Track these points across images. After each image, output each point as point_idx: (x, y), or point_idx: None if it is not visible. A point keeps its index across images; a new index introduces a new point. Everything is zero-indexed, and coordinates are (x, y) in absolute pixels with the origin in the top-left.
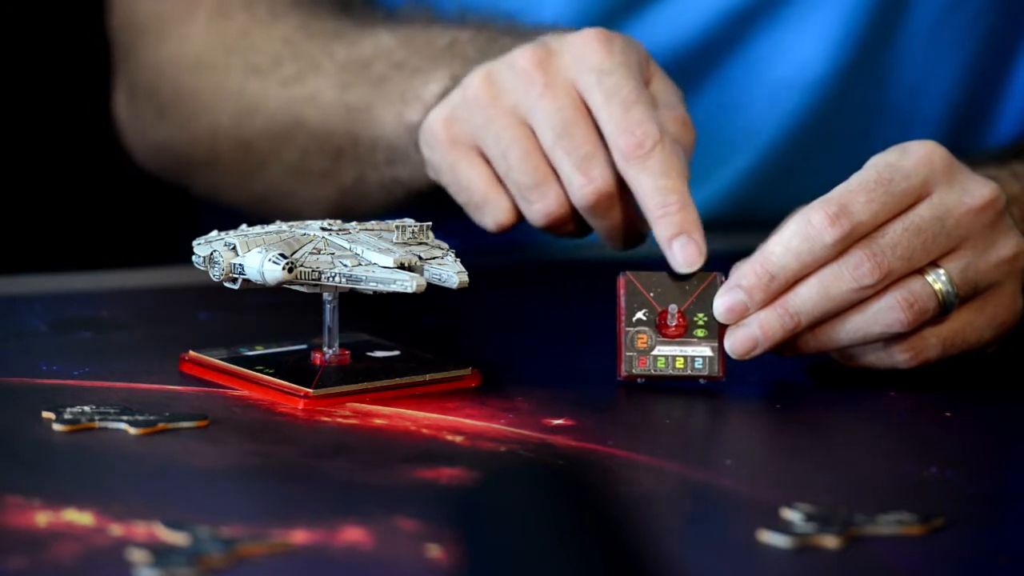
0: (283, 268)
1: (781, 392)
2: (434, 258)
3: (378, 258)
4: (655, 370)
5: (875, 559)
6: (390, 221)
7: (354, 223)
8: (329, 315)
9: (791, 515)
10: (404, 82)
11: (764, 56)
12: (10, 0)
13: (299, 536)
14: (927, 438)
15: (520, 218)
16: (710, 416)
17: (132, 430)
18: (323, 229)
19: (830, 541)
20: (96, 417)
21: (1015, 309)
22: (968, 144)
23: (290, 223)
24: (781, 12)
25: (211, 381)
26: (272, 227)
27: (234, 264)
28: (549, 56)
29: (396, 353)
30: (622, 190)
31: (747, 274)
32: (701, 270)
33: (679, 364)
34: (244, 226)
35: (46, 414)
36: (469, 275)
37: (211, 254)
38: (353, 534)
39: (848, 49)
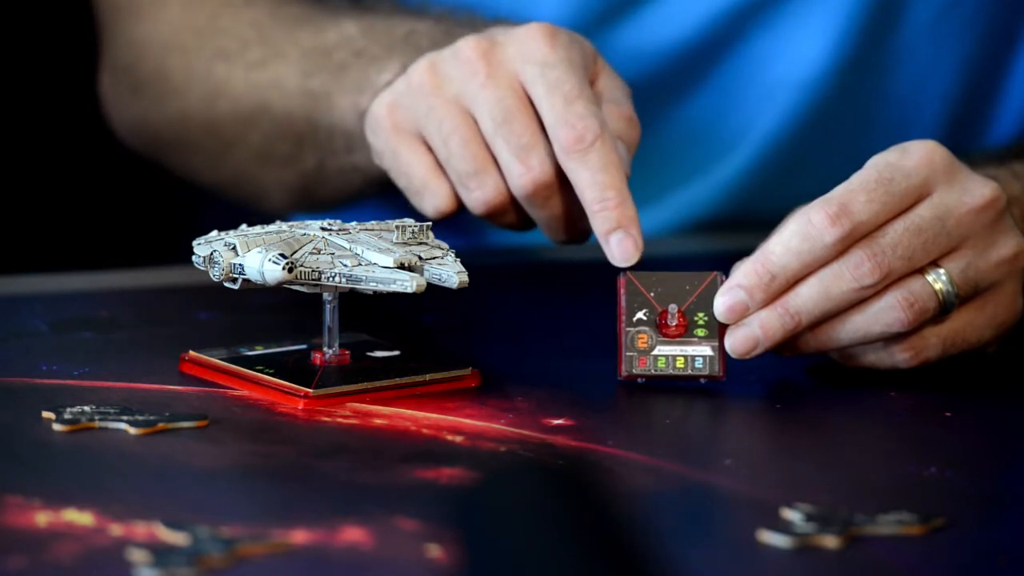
0: (283, 268)
1: (781, 392)
2: (434, 258)
3: (378, 258)
4: (655, 370)
5: (875, 559)
6: (390, 221)
7: (354, 223)
8: (329, 315)
9: (791, 515)
10: (362, 70)
11: (762, 54)
12: (10, 1)
13: (299, 536)
14: (927, 438)
15: (460, 206)
16: (710, 416)
17: (132, 430)
18: (323, 229)
19: (830, 541)
20: (96, 417)
21: (1015, 309)
22: (967, 142)
23: (290, 223)
24: (779, 10)
25: (211, 381)
26: (272, 227)
27: (234, 264)
28: (493, 47)
29: (396, 353)
30: (562, 182)
31: (747, 274)
32: (702, 270)
33: (679, 364)
34: (244, 226)
35: (46, 414)
36: (469, 275)
37: (211, 254)
38: (353, 534)
39: (846, 47)
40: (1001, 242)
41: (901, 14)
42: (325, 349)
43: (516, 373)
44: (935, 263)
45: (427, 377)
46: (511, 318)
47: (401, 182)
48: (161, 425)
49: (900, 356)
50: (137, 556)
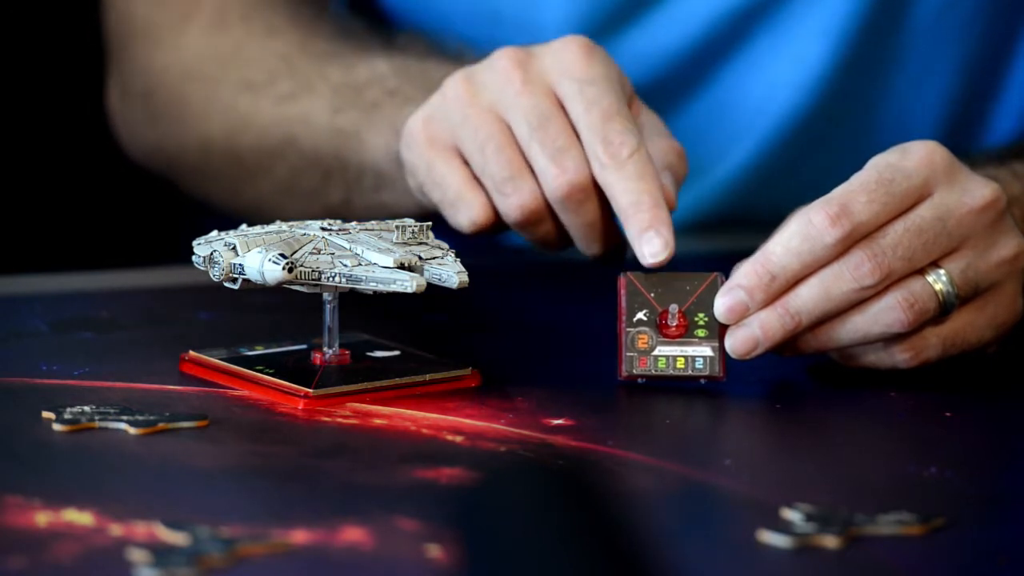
0: (283, 268)
1: (781, 392)
2: (434, 258)
3: (378, 258)
4: (656, 370)
5: (875, 559)
6: (390, 221)
7: (354, 223)
8: (329, 315)
9: (791, 515)
10: (395, 110)
11: (763, 55)
12: (11, 4)
13: (299, 536)
14: (927, 438)
15: (496, 217)
16: (710, 416)
17: (132, 430)
18: (323, 229)
19: (830, 541)
20: (96, 417)
21: (1015, 309)
22: (967, 142)
23: (290, 223)
24: (780, 11)
25: (211, 381)
26: (272, 227)
27: (234, 264)
28: (529, 58)
29: (396, 353)
30: (597, 189)
31: (748, 274)
32: (702, 270)
33: (680, 364)
34: (244, 226)
35: (46, 414)
36: (469, 275)
37: (211, 254)
38: (353, 534)
39: (846, 47)
40: (1001, 243)
41: (901, 14)
42: (325, 349)
43: (516, 373)
44: (935, 264)
45: (427, 377)
46: (511, 318)
47: (435, 195)
48: (161, 425)
49: (900, 356)
50: (137, 556)
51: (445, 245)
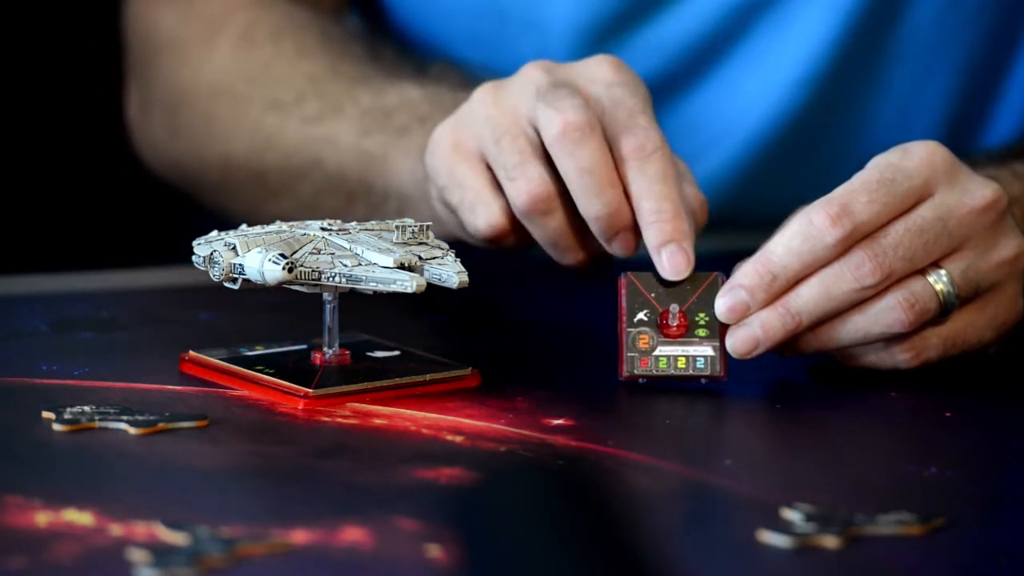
0: (283, 268)
1: (781, 392)
2: (434, 258)
3: (378, 258)
4: (657, 370)
5: (875, 559)
6: (390, 221)
7: (354, 223)
8: (329, 315)
9: (791, 515)
10: (424, 136)
11: (762, 52)
12: (13, 3)
13: (299, 536)
14: (927, 438)
15: (513, 222)
16: (710, 416)
17: (132, 430)
18: (323, 229)
19: (830, 541)
20: (96, 417)
21: (1016, 310)
22: (967, 142)
23: (290, 223)
24: (780, 8)
25: (211, 381)
26: (272, 227)
27: (234, 264)
28: (558, 67)
29: (396, 353)
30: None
31: (749, 274)
32: (702, 270)
33: (681, 364)
34: (244, 226)
35: (46, 414)
36: (469, 275)
37: (211, 254)
38: (353, 534)
39: (845, 45)
40: (1002, 243)
41: (901, 13)
42: (325, 349)
43: (516, 373)
44: (936, 264)
45: (427, 377)
46: (511, 318)
47: (455, 197)
48: (161, 425)
49: (901, 356)
50: (137, 556)
51: (445, 245)
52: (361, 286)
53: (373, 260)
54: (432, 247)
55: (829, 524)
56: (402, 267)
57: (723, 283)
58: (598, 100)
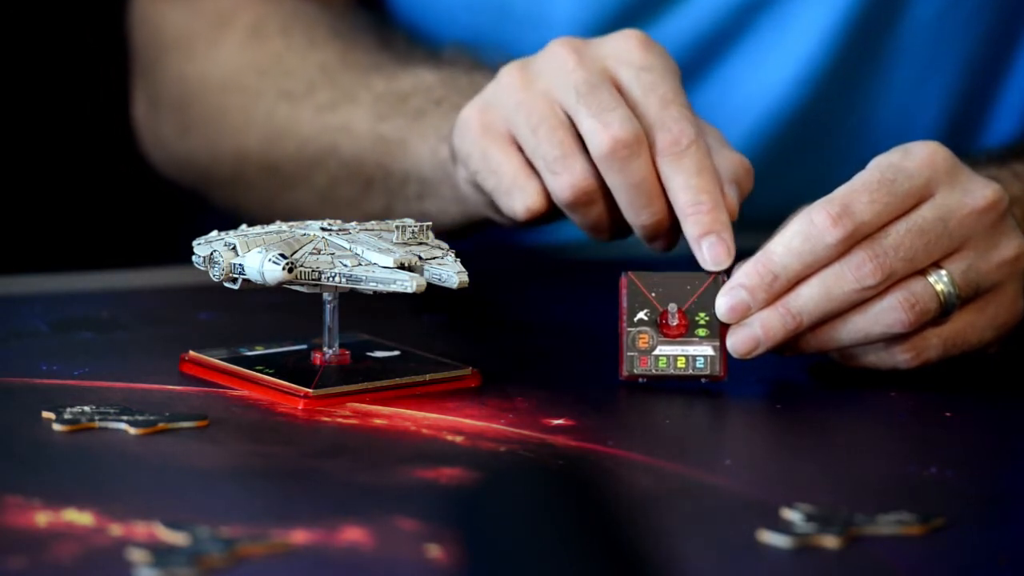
0: (283, 268)
1: (781, 392)
2: (434, 258)
3: (378, 258)
4: (656, 370)
5: (875, 559)
6: (390, 221)
7: (354, 223)
8: (329, 315)
9: (791, 515)
10: (442, 118)
11: (762, 50)
12: (14, 3)
13: (299, 536)
14: (927, 438)
15: (550, 204)
16: (710, 416)
17: (132, 430)
18: (323, 229)
19: (830, 541)
20: (96, 417)
21: (1016, 310)
22: (967, 141)
23: (290, 223)
24: (780, 7)
25: (211, 381)
26: (272, 227)
27: (234, 264)
28: (586, 45)
29: (396, 353)
30: (645, 154)
31: (749, 274)
32: (703, 270)
33: (680, 364)
34: (244, 226)
35: (46, 414)
36: (469, 275)
37: (211, 254)
38: (353, 534)
39: (844, 44)
40: (1003, 244)
41: (901, 12)
42: (325, 349)
43: (516, 373)
44: (937, 264)
45: (427, 377)
46: (511, 318)
47: (490, 183)
48: (161, 425)
49: (901, 357)
50: (137, 556)
51: (445, 245)
52: (361, 286)
53: (373, 260)
54: (432, 247)
55: (829, 524)
56: (402, 267)
57: (724, 283)
58: (630, 88)
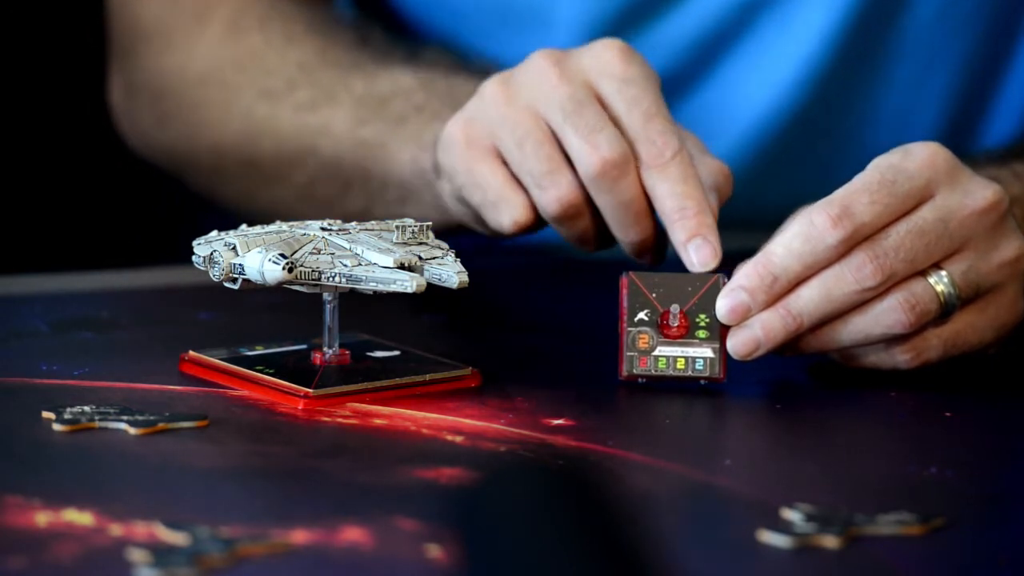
0: (283, 268)
1: (781, 392)
2: (434, 258)
3: (378, 258)
4: (656, 370)
5: (875, 559)
6: (390, 221)
7: (354, 223)
8: (329, 315)
9: (791, 515)
10: (423, 125)
11: (761, 49)
12: (13, 3)
13: (299, 536)
14: (927, 438)
15: (536, 218)
16: (710, 416)
17: (132, 430)
18: (323, 229)
19: (830, 541)
20: (96, 417)
21: (1017, 311)
22: (966, 141)
23: (290, 223)
24: (780, 7)
25: (211, 381)
26: (272, 227)
27: (234, 264)
28: (567, 57)
29: (396, 353)
30: (634, 173)
31: (750, 275)
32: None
33: (680, 365)
34: (244, 226)
35: (46, 414)
36: (469, 275)
37: (211, 254)
38: (353, 534)
39: (846, 44)
40: (1003, 244)
41: (901, 11)
42: (325, 349)
43: (516, 373)
44: (937, 265)
45: (427, 377)
46: (511, 318)
47: (476, 197)
48: (161, 425)
49: (901, 357)
50: (137, 556)
51: (445, 245)
52: (361, 286)
53: (373, 260)
54: (432, 247)
55: (829, 524)
56: (402, 267)
57: (724, 284)
58: (612, 101)
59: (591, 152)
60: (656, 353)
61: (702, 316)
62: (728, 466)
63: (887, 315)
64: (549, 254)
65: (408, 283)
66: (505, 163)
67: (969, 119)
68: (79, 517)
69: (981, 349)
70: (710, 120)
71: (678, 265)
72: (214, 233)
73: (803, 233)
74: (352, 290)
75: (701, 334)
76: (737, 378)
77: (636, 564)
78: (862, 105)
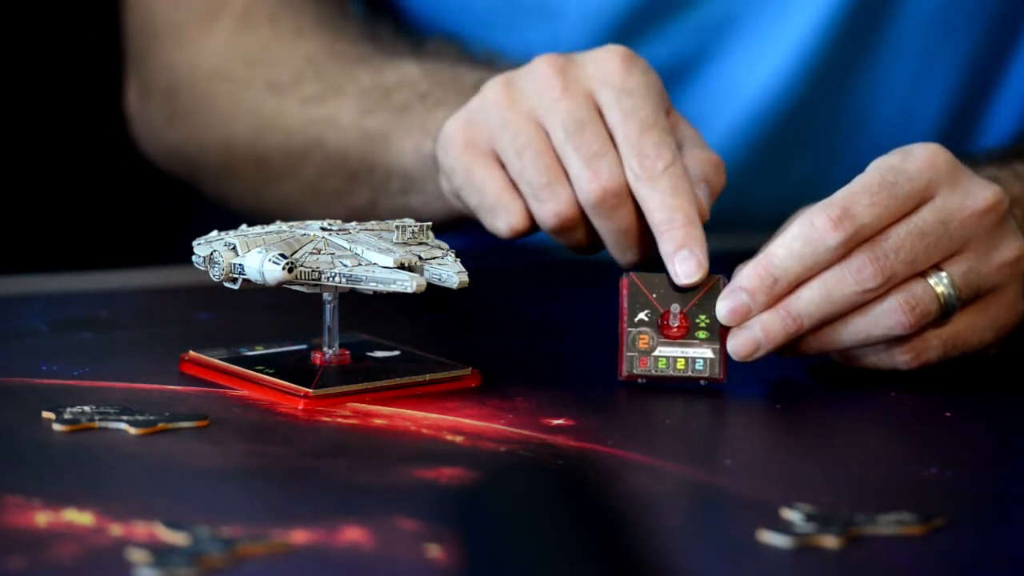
0: (283, 268)
1: (781, 392)
2: (434, 258)
3: (378, 258)
4: (656, 371)
5: (875, 559)
6: (390, 221)
7: (354, 223)
8: (329, 315)
9: (791, 515)
10: (426, 113)
11: (761, 48)
12: (15, 4)
13: (299, 536)
14: (927, 438)
15: (533, 223)
16: (710, 416)
17: (132, 430)
18: (323, 229)
19: (830, 541)
20: (96, 417)
21: (1016, 311)
22: (966, 140)
23: (290, 223)
24: (779, 3)
25: (211, 381)
26: (272, 227)
27: (234, 264)
28: (570, 64)
29: (396, 353)
30: (631, 195)
31: (750, 276)
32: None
33: (680, 365)
34: (244, 226)
35: (46, 414)
36: (469, 275)
37: (211, 254)
38: (353, 534)
39: (841, 38)
40: (1003, 245)
41: (900, 7)
42: (325, 349)
43: (516, 373)
44: (937, 266)
45: (427, 377)
46: (511, 318)
47: (473, 200)
48: (161, 425)
49: (901, 358)
50: (137, 556)
51: (445, 245)
52: (361, 286)
53: (373, 260)
54: (432, 247)
55: (829, 524)
56: (402, 267)
57: (724, 286)
58: (610, 111)
59: (591, 179)
60: (656, 353)
61: (702, 317)
62: (728, 466)
63: (887, 316)
64: (549, 254)
65: (408, 283)
66: (503, 167)
67: (969, 118)
68: (79, 517)
69: (981, 350)
70: (704, 114)
71: None
72: (214, 233)
73: (803, 235)
74: (352, 290)
75: (701, 335)
76: (737, 378)
77: (636, 564)
78: (860, 100)
